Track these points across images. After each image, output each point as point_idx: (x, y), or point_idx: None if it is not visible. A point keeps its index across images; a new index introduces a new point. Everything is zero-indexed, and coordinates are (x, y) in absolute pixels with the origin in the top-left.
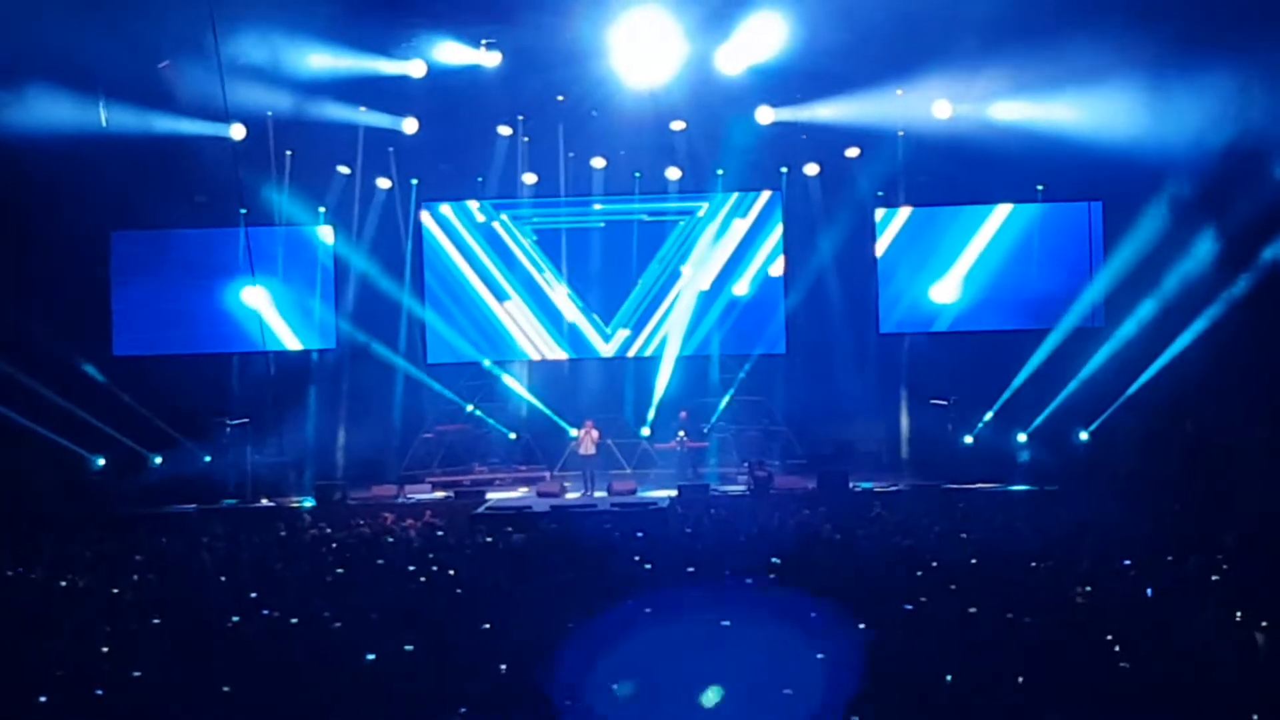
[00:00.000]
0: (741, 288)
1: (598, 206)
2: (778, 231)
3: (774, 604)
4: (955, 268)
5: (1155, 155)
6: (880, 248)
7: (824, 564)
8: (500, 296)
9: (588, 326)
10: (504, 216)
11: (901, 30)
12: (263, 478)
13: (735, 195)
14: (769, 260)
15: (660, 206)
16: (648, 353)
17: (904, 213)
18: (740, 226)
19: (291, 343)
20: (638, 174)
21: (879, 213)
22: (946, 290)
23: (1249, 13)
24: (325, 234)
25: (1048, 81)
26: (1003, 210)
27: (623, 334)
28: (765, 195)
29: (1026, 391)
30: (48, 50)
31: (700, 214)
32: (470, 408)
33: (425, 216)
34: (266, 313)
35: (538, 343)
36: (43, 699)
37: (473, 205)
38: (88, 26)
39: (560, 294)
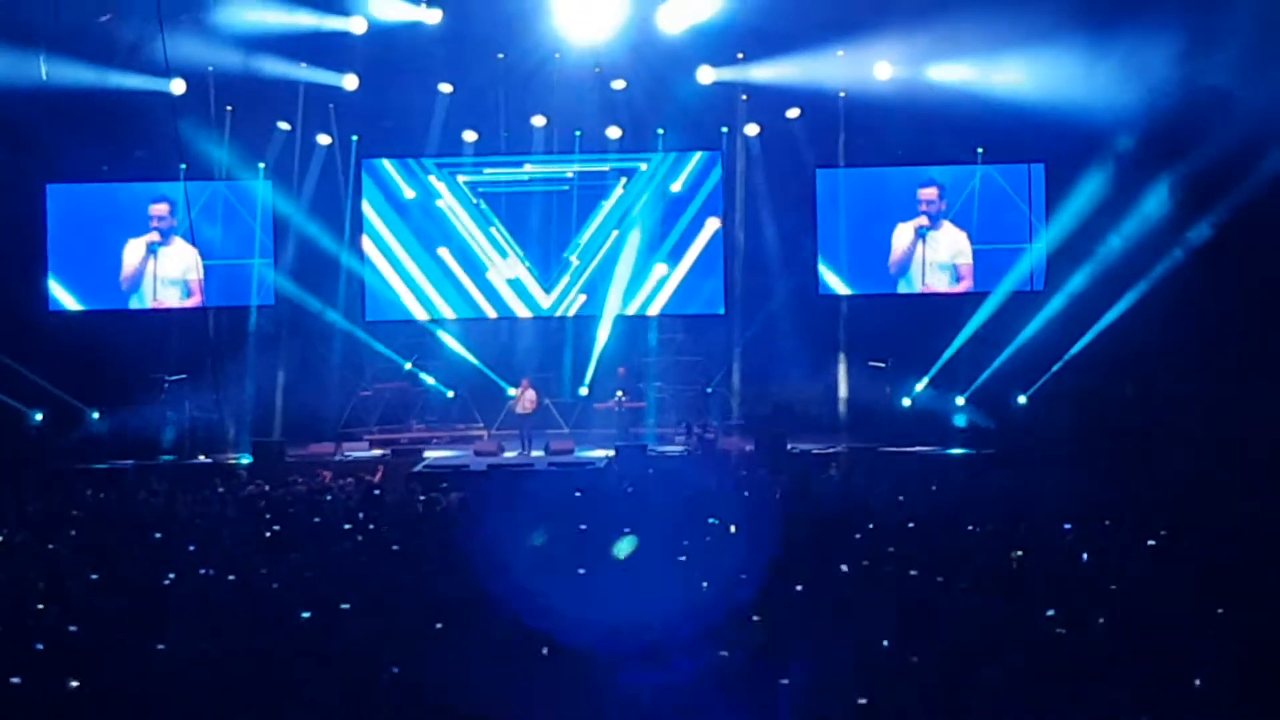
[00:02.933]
0: (679, 248)
1: (533, 168)
2: (717, 191)
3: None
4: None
5: (1098, 117)
6: (821, 208)
7: (761, 525)
8: (439, 254)
9: (527, 284)
10: (444, 173)
11: None
12: (200, 434)
13: (675, 155)
14: (708, 220)
15: (600, 165)
16: (585, 312)
17: (845, 174)
18: (680, 186)
19: (230, 298)
20: (578, 132)
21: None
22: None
23: None
24: (264, 190)
25: (989, 43)
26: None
27: (561, 292)
28: (705, 155)
29: (965, 355)
30: None
31: (641, 173)
32: (408, 365)
33: (365, 173)
34: (206, 268)
35: (476, 301)
36: None
37: (413, 162)
38: None
39: (499, 252)
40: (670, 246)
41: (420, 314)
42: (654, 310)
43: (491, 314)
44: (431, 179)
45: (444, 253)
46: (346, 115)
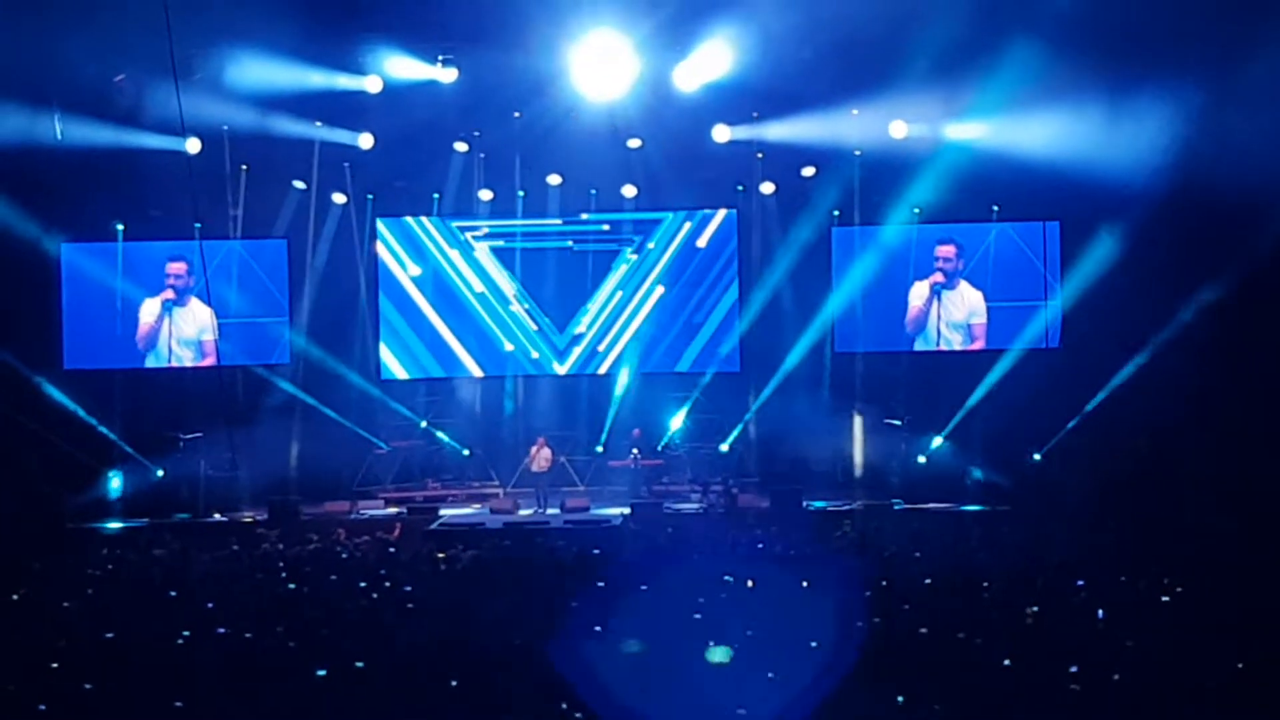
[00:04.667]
0: (694, 306)
1: (554, 222)
2: (733, 249)
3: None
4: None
5: (1114, 174)
6: (836, 266)
7: (777, 582)
8: (455, 313)
9: (542, 343)
10: (459, 232)
11: (858, 50)
12: (215, 492)
13: (690, 212)
14: (724, 278)
15: (615, 223)
16: (602, 370)
17: (860, 232)
18: (696, 244)
19: (245, 357)
20: (594, 191)
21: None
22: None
23: (1207, 32)
24: (280, 249)
25: (1004, 101)
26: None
27: (577, 351)
28: (721, 213)
29: (980, 412)
30: (2, 62)
31: (656, 231)
32: (424, 424)
33: (380, 232)
34: (221, 326)
35: (492, 359)
36: None
37: (428, 221)
38: (44, 39)
39: (515, 310)
40: (686, 304)
41: (436, 372)
42: (669, 368)
43: (507, 372)
44: (447, 237)
45: (459, 311)
46: (362, 174)
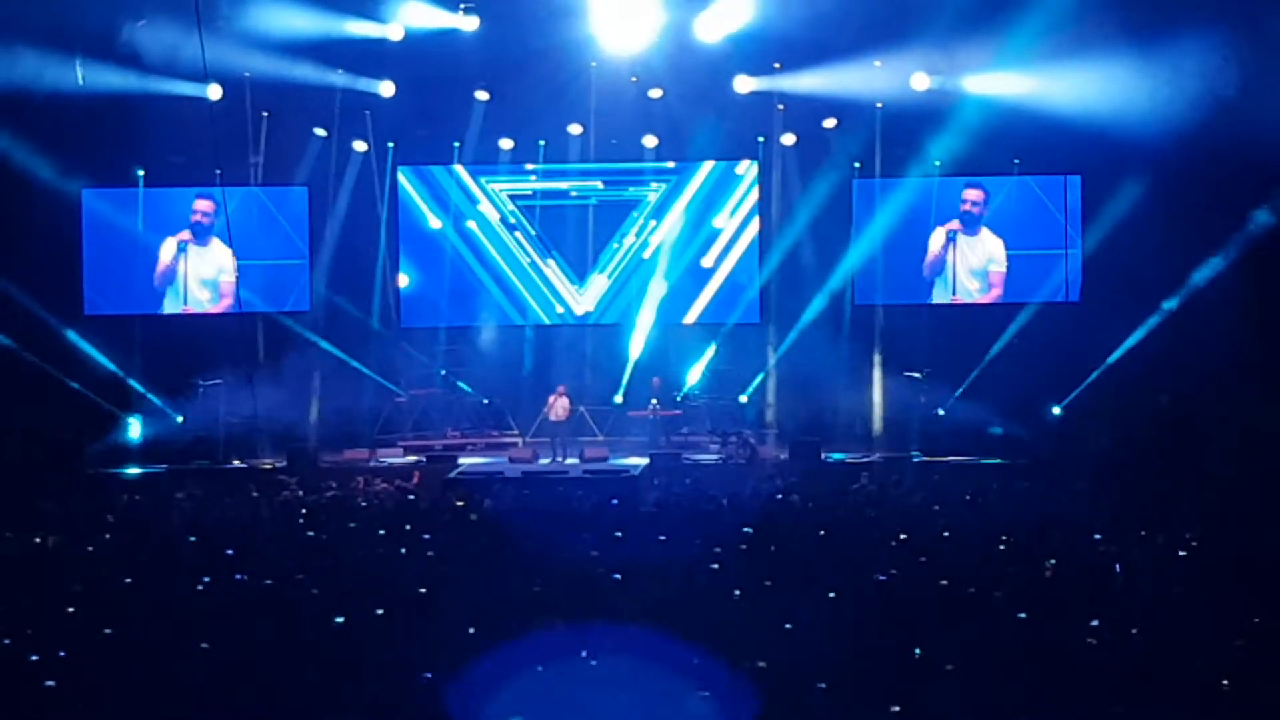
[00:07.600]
0: (715, 257)
1: (573, 178)
2: (753, 201)
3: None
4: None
5: (1136, 129)
6: (857, 219)
7: (795, 534)
8: (474, 262)
9: (563, 292)
10: (480, 181)
11: (880, 1)
12: (235, 439)
13: (711, 164)
14: (744, 229)
15: (636, 173)
16: (619, 320)
17: (881, 184)
18: (716, 195)
19: (266, 304)
20: (614, 141)
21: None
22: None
23: None
24: (301, 196)
25: (1026, 55)
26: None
27: (597, 300)
28: (742, 164)
29: (1000, 365)
30: (24, 7)
31: (677, 181)
32: (443, 373)
33: (401, 180)
34: (243, 270)
35: (512, 308)
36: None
37: (448, 169)
38: None
39: (534, 259)
40: (705, 255)
41: (455, 321)
42: (690, 319)
43: (527, 321)
44: (467, 187)
45: (479, 260)
46: (383, 122)
